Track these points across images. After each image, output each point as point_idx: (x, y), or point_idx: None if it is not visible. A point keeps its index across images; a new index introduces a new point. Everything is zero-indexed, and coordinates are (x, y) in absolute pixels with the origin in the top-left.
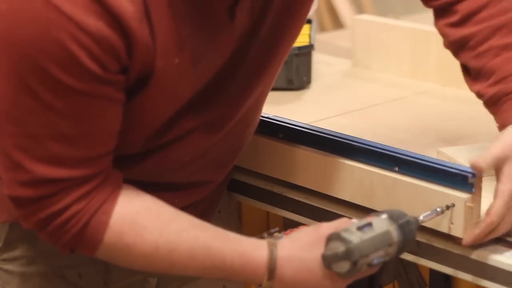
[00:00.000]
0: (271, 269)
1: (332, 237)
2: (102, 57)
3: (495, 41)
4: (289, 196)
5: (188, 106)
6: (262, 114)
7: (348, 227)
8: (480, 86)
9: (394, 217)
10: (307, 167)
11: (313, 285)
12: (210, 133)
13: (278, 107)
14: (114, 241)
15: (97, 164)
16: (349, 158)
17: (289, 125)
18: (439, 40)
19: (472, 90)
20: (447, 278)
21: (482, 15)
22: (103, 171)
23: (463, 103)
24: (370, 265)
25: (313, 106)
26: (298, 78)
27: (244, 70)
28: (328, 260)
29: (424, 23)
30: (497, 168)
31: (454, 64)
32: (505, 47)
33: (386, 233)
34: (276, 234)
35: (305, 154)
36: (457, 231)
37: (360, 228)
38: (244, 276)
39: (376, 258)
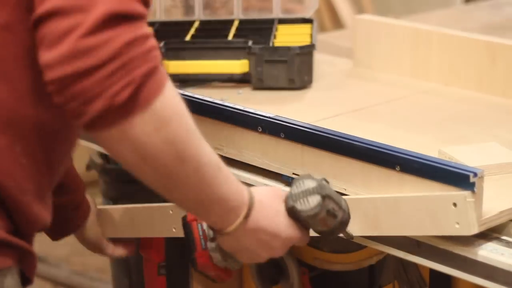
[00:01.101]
0: (250, 206)
1: (304, 176)
2: None
3: None
4: None
5: None
6: (264, 114)
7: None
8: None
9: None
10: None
11: (279, 230)
12: None
13: (280, 106)
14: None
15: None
16: (351, 158)
17: (291, 124)
18: (440, 40)
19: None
20: (447, 278)
21: None
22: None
23: (464, 102)
24: (329, 212)
25: (314, 106)
26: (300, 78)
27: None
28: (301, 194)
29: (424, 23)
30: None
31: (455, 64)
32: None
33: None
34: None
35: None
36: (458, 230)
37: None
38: (228, 204)
39: (335, 208)
